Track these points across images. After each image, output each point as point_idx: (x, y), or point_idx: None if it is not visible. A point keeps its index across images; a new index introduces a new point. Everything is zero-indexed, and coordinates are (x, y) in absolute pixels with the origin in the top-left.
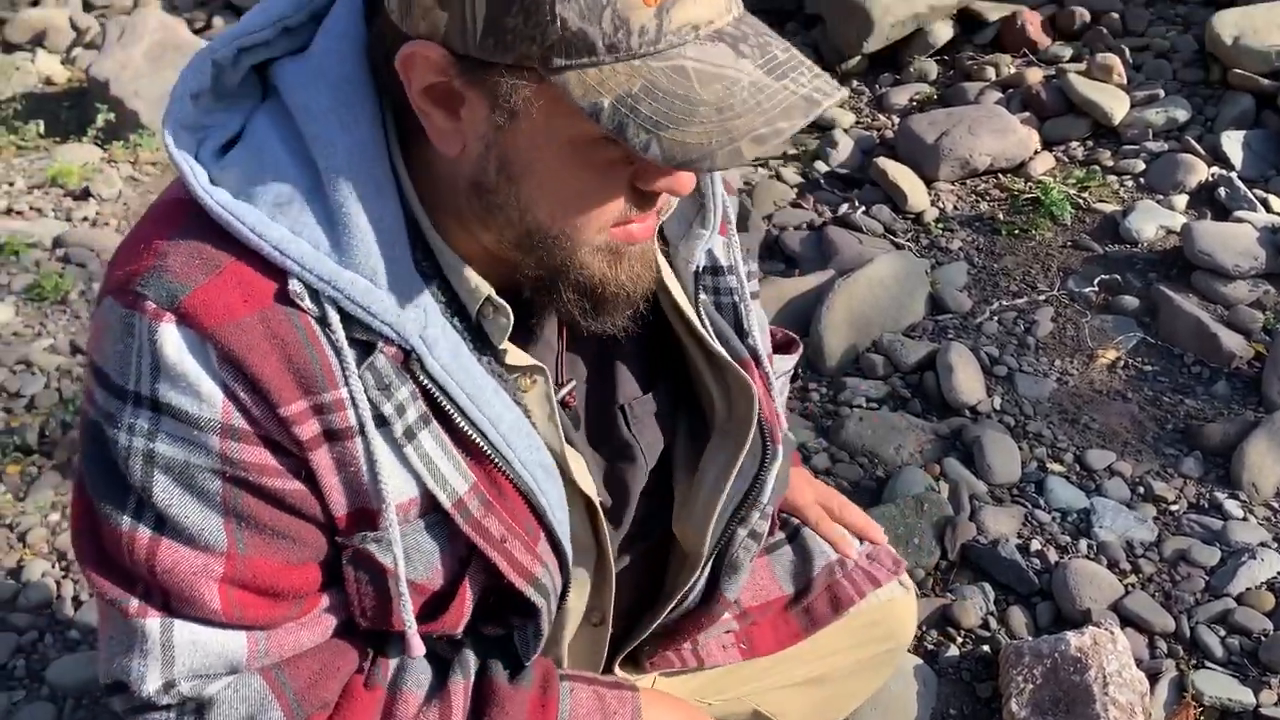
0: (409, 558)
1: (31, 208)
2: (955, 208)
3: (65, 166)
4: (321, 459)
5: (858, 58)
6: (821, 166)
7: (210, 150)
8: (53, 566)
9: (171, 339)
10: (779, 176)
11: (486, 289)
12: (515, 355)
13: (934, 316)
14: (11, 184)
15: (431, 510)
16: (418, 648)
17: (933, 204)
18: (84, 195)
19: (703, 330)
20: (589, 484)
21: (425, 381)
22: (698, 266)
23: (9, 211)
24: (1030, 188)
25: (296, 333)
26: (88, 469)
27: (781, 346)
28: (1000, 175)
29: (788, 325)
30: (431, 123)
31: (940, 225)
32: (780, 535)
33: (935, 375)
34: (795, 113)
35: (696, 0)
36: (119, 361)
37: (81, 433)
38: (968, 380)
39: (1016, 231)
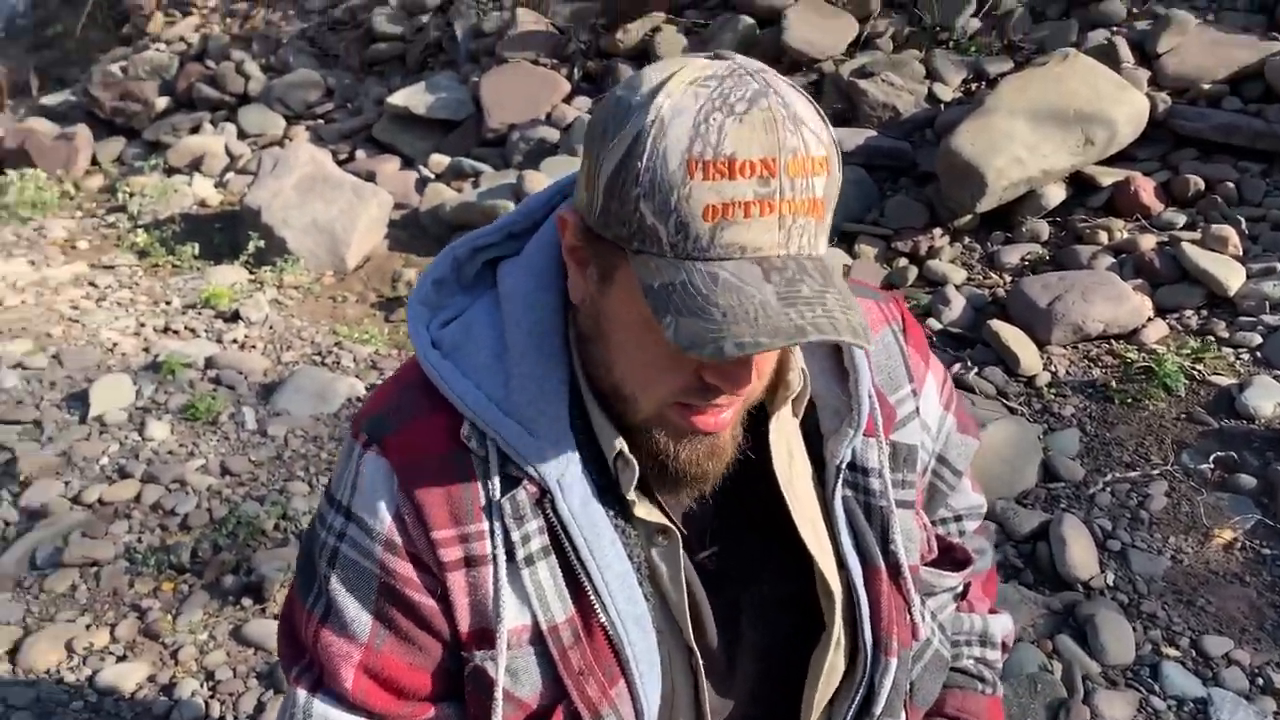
0: (517, 676)
1: (186, 327)
2: (1068, 373)
3: (217, 289)
4: (457, 581)
5: (970, 215)
6: (934, 324)
7: (439, 323)
8: (201, 685)
9: (370, 466)
10: None
11: (620, 445)
12: (647, 511)
13: (1046, 484)
14: (169, 303)
15: (539, 639)
16: None
17: (1045, 368)
18: (234, 317)
19: (837, 524)
20: (693, 641)
21: (553, 519)
22: (841, 461)
23: (166, 330)
24: (1143, 356)
25: (460, 473)
26: (299, 557)
27: (958, 563)
28: (1113, 341)
29: None
30: (571, 276)
31: (1053, 390)
32: None
33: (1048, 546)
34: (780, 335)
35: (750, 229)
36: (338, 478)
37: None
38: (1081, 554)
39: (1129, 400)
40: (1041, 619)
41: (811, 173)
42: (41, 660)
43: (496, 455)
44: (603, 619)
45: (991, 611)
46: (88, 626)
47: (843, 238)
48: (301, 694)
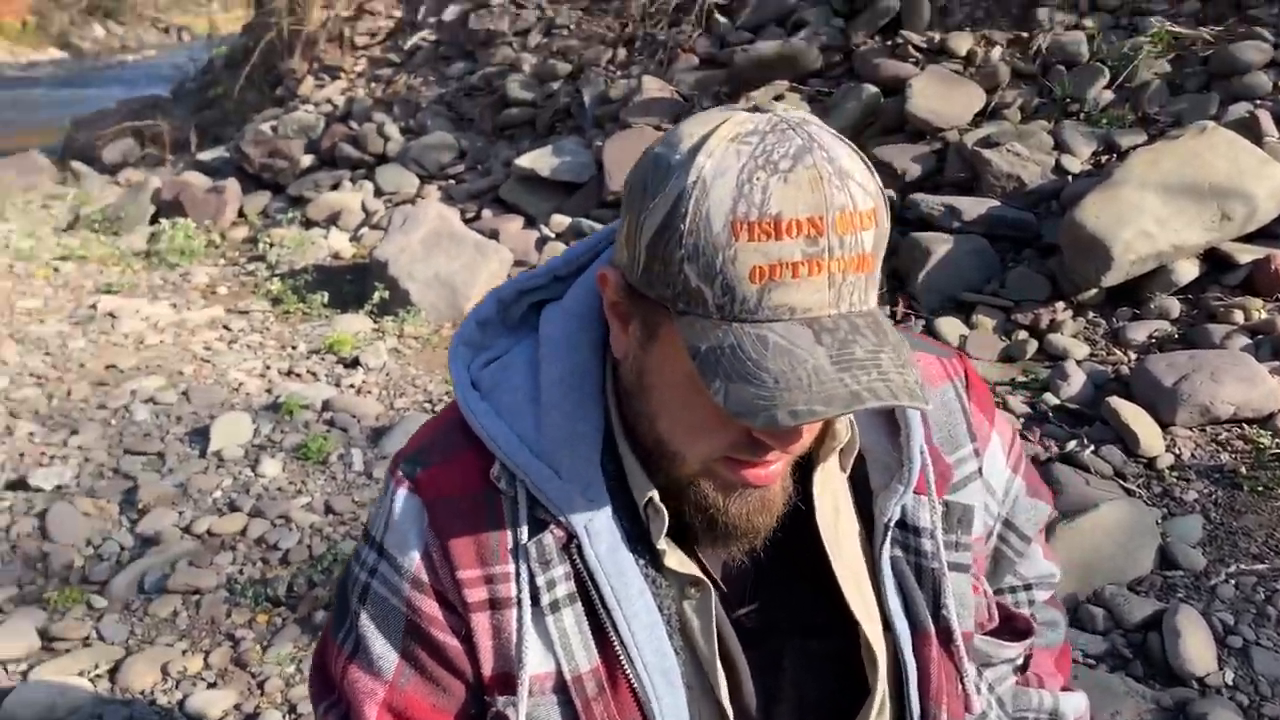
0: None
1: (309, 371)
2: (1193, 456)
3: (341, 336)
4: (481, 623)
5: (1095, 290)
6: (1051, 399)
7: (480, 363)
8: (284, 718)
9: (402, 502)
10: (1005, 405)
11: (650, 492)
12: (679, 561)
13: (1163, 572)
14: (295, 347)
15: (563, 689)
16: None
17: (1168, 450)
18: (354, 363)
19: (884, 584)
20: (728, 702)
21: (579, 565)
22: (889, 519)
23: (290, 373)
24: (1278, 443)
25: (489, 513)
26: (335, 592)
27: (1018, 632)
28: (1244, 426)
29: None
30: (613, 331)
31: (1175, 474)
32: None
33: (1161, 638)
34: (835, 402)
35: (799, 289)
36: (375, 513)
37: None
38: (1197, 648)
39: (1260, 489)
40: (1149, 715)
41: (860, 228)
42: (138, 681)
43: (525, 497)
44: (628, 671)
45: (1064, 689)
46: (184, 652)
47: (960, 307)
48: None
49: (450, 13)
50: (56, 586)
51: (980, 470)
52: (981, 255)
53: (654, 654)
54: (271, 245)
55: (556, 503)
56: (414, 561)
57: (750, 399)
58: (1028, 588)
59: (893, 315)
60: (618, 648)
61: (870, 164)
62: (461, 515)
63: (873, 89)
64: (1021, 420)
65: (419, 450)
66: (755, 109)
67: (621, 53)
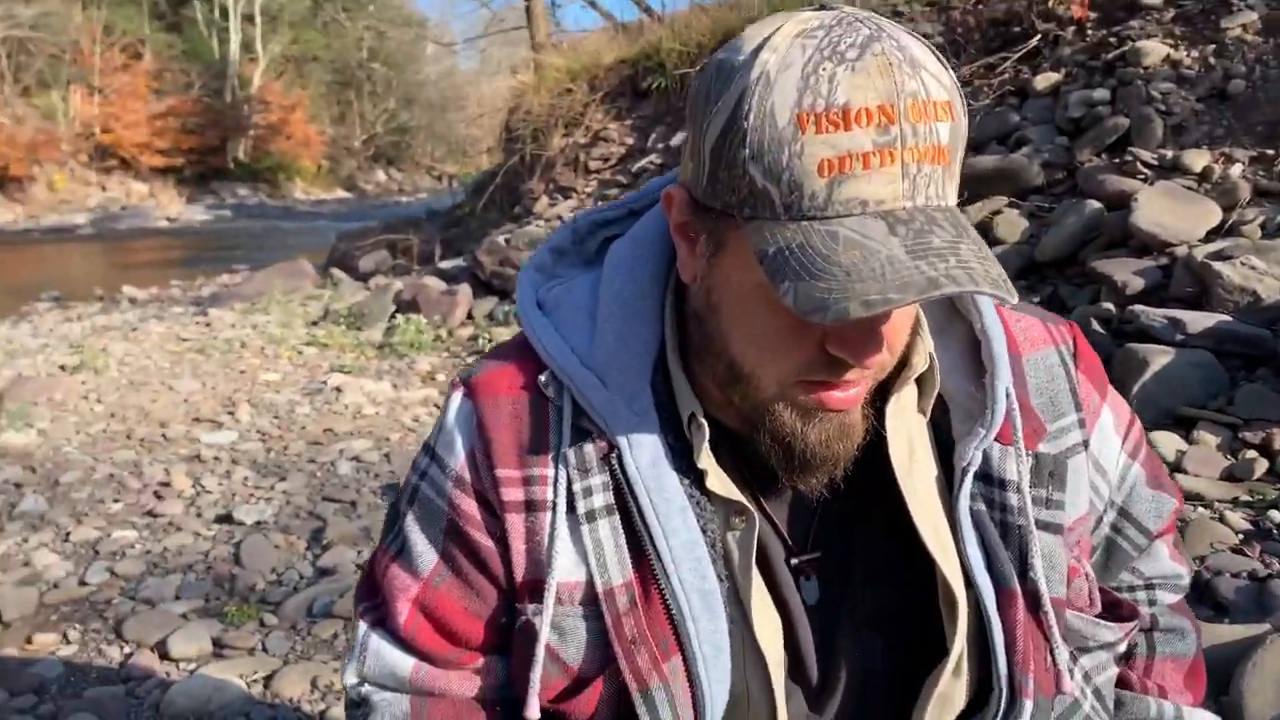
0: (564, 635)
1: None
2: None
3: None
4: (515, 525)
5: None
6: (1276, 515)
7: (547, 287)
8: None
9: (455, 404)
10: (1222, 519)
11: (694, 407)
12: (721, 485)
13: None
14: None
15: (592, 601)
16: (533, 709)
17: None
18: None
19: (963, 536)
20: (772, 646)
21: (619, 476)
22: (969, 464)
23: None
24: None
25: (534, 416)
26: (390, 506)
27: (1121, 618)
28: None
29: None
30: (680, 254)
31: None
32: None
33: None
34: (911, 289)
35: (871, 181)
36: (434, 424)
37: None
38: None
39: None
40: None
41: (934, 118)
42: (288, 689)
43: (570, 406)
44: (663, 588)
45: (1193, 707)
46: (335, 670)
47: (1179, 422)
48: (363, 627)
49: (678, 139)
50: (236, 604)
51: (1086, 444)
52: (1207, 370)
53: (692, 573)
54: (490, 341)
55: (600, 411)
56: (459, 460)
57: (821, 294)
58: (1149, 587)
59: None
60: (654, 562)
61: (945, 61)
62: (507, 415)
63: (1096, 204)
64: (1240, 536)
65: (481, 361)
66: (822, 6)
67: None
